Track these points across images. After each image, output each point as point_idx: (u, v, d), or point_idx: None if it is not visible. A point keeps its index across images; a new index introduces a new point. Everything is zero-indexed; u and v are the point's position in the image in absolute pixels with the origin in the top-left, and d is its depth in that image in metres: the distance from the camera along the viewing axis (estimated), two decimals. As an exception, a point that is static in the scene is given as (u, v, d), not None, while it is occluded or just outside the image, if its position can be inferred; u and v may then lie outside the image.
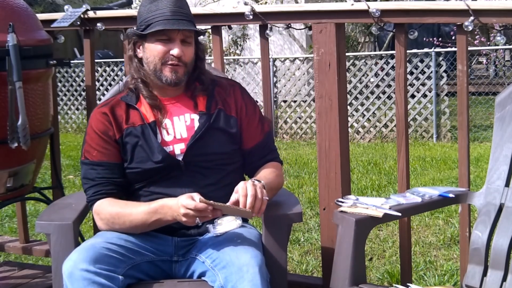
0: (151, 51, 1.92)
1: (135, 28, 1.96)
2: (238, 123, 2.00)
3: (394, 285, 1.87)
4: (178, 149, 1.93)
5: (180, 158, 1.91)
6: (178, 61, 1.91)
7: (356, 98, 8.46)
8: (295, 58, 9.12)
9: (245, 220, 2.02)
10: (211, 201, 1.72)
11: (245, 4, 2.46)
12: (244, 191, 1.74)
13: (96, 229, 2.84)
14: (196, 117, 1.96)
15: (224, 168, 1.96)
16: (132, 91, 1.99)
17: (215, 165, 1.94)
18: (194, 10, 2.75)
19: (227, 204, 1.75)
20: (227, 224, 1.81)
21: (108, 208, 1.88)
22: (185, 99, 1.99)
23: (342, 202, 1.89)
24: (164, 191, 1.90)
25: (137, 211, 1.84)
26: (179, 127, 1.95)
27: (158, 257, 1.89)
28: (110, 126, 1.93)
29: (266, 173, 1.97)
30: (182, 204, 1.72)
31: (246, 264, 1.69)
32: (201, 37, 2.06)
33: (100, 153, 1.92)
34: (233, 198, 1.76)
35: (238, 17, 2.45)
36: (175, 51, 1.89)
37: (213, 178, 1.93)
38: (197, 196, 1.74)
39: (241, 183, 1.78)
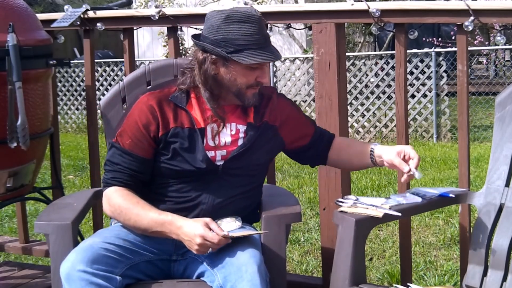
0: (239, 75, 1.87)
1: (205, 41, 1.86)
2: (281, 131, 2.01)
3: (394, 285, 1.86)
4: (220, 155, 1.91)
5: (219, 164, 1.90)
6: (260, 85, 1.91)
7: (356, 98, 8.45)
8: (295, 58, 9.11)
9: (244, 221, 2.02)
10: (229, 234, 1.72)
11: (245, 4, 2.46)
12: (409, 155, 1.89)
13: (96, 229, 2.84)
14: (242, 127, 1.95)
15: (254, 181, 1.97)
16: (183, 92, 1.93)
17: (249, 176, 1.95)
18: (194, 10, 2.76)
19: (242, 231, 1.79)
20: (227, 225, 1.81)
21: (119, 199, 1.85)
22: (236, 108, 1.96)
23: (342, 202, 1.89)
24: (190, 193, 1.89)
25: (145, 215, 1.81)
26: (224, 135, 1.93)
27: (157, 257, 1.89)
28: (154, 121, 1.88)
29: (356, 145, 2.10)
30: (200, 235, 1.71)
31: (245, 264, 1.69)
32: None
33: (133, 144, 1.88)
34: (396, 162, 1.89)
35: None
36: (264, 79, 1.90)
37: (240, 189, 1.92)
38: (213, 224, 1.74)
39: (405, 148, 1.92)
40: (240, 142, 1.93)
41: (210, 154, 1.90)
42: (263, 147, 1.96)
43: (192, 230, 1.73)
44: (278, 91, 2.12)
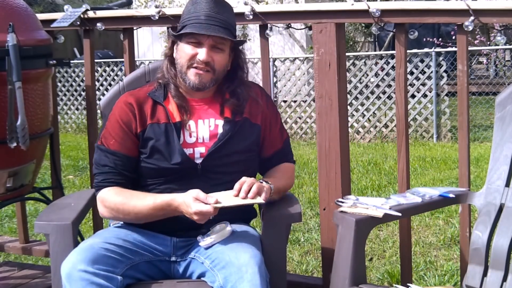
0: (181, 52, 1.92)
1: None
2: (261, 132, 2.00)
3: (394, 285, 1.87)
4: (198, 152, 1.92)
5: (198, 162, 1.91)
6: (205, 66, 1.89)
7: (356, 98, 8.45)
8: (295, 58, 9.11)
9: (245, 221, 2.02)
10: (220, 203, 1.74)
11: (245, 4, 2.46)
12: (240, 185, 1.79)
13: (96, 229, 2.84)
14: (220, 122, 1.95)
15: (238, 177, 1.95)
16: (161, 87, 1.98)
17: (231, 172, 1.93)
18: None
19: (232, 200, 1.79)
20: (216, 235, 1.82)
21: (113, 197, 1.88)
22: (213, 103, 1.98)
23: (342, 202, 1.89)
24: (174, 192, 1.88)
25: (142, 204, 1.83)
26: (202, 131, 1.94)
27: (156, 257, 1.89)
28: (134, 118, 1.92)
29: (277, 174, 1.99)
30: (195, 212, 1.73)
31: (245, 264, 1.69)
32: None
33: (117, 143, 1.91)
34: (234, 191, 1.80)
35: (238, 17, 2.43)
36: (201, 56, 1.88)
37: (226, 186, 1.91)
38: (202, 194, 1.74)
39: (243, 178, 1.81)
40: (217, 138, 1.94)
41: (188, 151, 1.91)
42: (242, 144, 1.95)
43: (186, 208, 1.76)
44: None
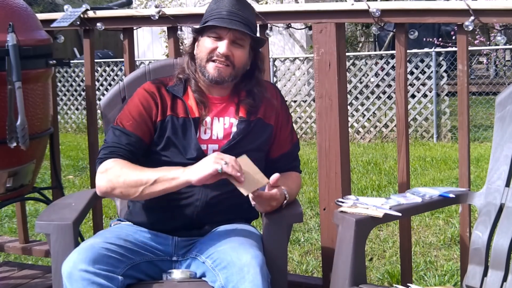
0: (201, 46, 1.95)
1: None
2: (273, 132, 2.02)
3: (394, 285, 1.87)
4: (211, 149, 1.94)
5: None
6: (225, 60, 1.91)
7: (356, 98, 8.45)
8: (295, 58, 9.11)
9: (246, 221, 2.02)
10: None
11: (245, 4, 2.45)
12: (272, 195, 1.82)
13: (96, 229, 2.84)
14: (235, 121, 1.97)
15: None
16: (181, 82, 2.00)
17: None
18: (194, 10, 2.75)
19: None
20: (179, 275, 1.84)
21: (119, 166, 1.82)
22: (229, 101, 2.00)
23: (342, 202, 1.89)
24: (183, 188, 1.87)
25: (151, 169, 1.81)
26: (217, 128, 1.96)
27: (157, 257, 1.89)
28: (155, 106, 1.94)
29: (291, 185, 1.98)
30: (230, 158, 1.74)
31: (247, 265, 1.69)
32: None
33: (134, 125, 1.92)
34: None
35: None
36: (221, 49, 1.90)
37: (233, 185, 1.92)
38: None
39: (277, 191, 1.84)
40: (231, 136, 1.95)
41: (203, 147, 1.93)
42: (255, 142, 1.97)
43: (217, 158, 1.74)
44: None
